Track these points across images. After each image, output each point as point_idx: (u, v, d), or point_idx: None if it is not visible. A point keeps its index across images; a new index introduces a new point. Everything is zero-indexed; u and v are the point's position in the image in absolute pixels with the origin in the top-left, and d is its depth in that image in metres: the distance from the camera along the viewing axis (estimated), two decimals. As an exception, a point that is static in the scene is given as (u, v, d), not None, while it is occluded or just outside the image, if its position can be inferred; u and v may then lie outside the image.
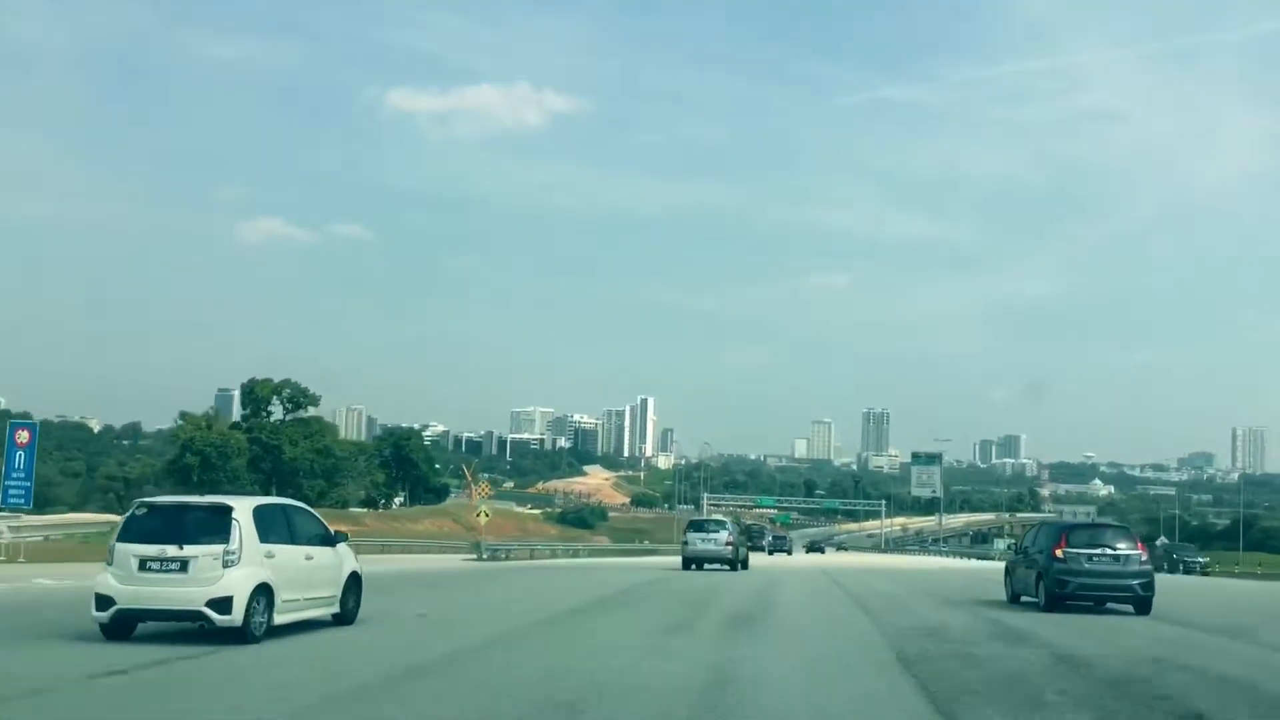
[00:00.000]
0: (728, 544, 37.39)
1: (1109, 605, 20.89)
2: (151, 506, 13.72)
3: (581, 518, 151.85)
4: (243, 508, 13.45)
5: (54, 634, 13.65)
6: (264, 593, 13.20)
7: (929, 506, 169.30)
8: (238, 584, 12.84)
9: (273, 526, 13.91)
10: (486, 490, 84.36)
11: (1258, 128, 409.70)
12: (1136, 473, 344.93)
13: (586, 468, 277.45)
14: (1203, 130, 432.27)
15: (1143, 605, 20.49)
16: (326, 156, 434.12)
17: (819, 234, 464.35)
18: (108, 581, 12.98)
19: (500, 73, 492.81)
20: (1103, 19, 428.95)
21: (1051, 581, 20.55)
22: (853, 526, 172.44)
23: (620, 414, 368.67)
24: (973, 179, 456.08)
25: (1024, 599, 22.30)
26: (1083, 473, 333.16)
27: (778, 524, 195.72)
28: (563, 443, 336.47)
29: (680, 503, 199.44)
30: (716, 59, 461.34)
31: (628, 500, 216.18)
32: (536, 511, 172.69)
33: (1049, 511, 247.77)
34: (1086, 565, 20.49)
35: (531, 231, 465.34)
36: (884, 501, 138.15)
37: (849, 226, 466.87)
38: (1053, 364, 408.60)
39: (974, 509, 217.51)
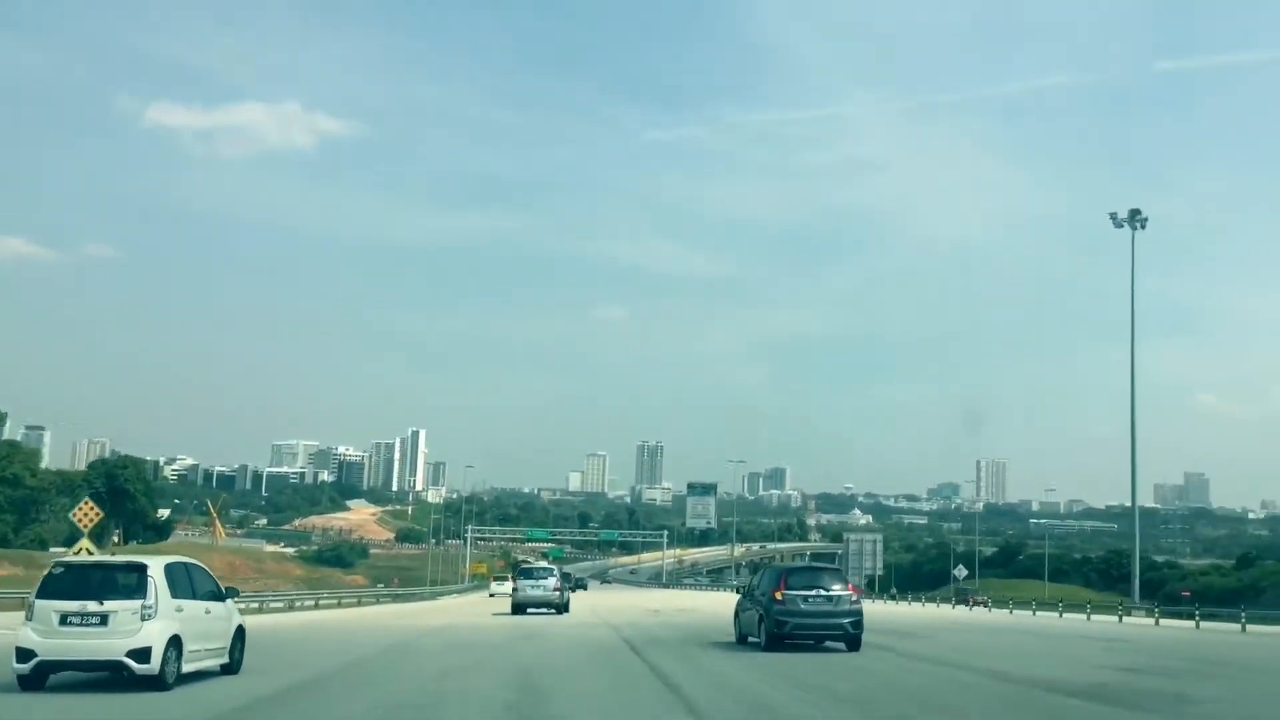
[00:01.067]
0: (555, 590, 39.47)
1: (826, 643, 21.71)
2: (68, 566, 15.05)
3: (339, 555, 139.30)
4: (155, 566, 14.52)
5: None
6: (175, 644, 14.26)
7: (703, 538, 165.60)
8: (155, 636, 13.93)
9: (178, 583, 14.82)
10: (220, 529, 72.87)
11: (1002, 180, 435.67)
12: (891, 503, 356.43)
13: (350, 502, 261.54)
14: (950, 180, 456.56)
15: (853, 642, 21.36)
16: (75, 172, 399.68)
17: (597, 267, 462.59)
18: (29, 635, 13.85)
19: (269, 91, 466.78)
20: (868, 72, 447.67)
21: (771, 622, 21.15)
22: (629, 560, 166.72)
23: (390, 446, 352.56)
24: (747, 219, 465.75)
25: (750, 639, 22.69)
26: (843, 503, 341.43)
27: (550, 558, 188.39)
28: (326, 476, 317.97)
29: (448, 537, 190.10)
30: (498, 90, 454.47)
31: (392, 536, 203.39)
32: (289, 550, 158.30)
33: (815, 540, 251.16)
34: (803, 606, 21.16)
35: (301, 257, 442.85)
36: (665, 532, 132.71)
37: (629, 261, 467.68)
38: (818, 398, 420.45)
39: (744, 539, 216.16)
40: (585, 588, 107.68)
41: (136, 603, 13.83)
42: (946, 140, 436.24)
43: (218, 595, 16.07)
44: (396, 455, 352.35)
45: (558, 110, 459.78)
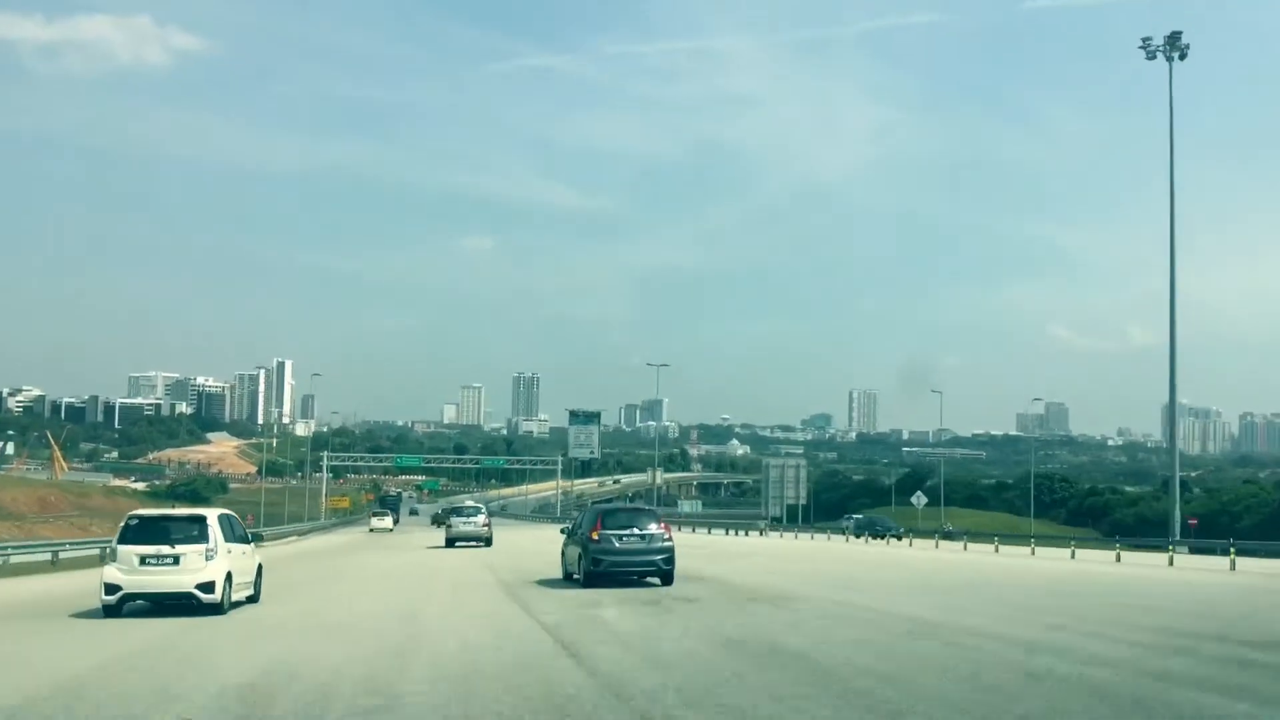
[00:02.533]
0: (484, 525, 43.44)
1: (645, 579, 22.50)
2: (142, 517, 18.63)
3: (194, 490, 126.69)
4: (212, 517, 18.45)
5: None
6: (229, 579, 17.91)
7: (584, 468, 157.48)
8: (216, 572, 17.54)
9: (227, 530, 18.55)
10: (60, 463, 61.12)
11: (873, 119, 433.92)
12: (768, 433, 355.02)
13: (211, 435, 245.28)
14: (822, 118, 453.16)
15: (666, 577, 22.43)
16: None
17: (469, 199, 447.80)
18: (114, 573, 17.45)
19: (118, 3, 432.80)
20: (741, 6, 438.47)
21: (589, 560, 22.18)
22: (510, 491, 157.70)
23: (254, 378, 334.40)
24: (619, 152, 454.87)
25: (574, 576, 23.33)
26: (720, 434, 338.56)
27: (425, 491, 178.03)
28: (185, 409, 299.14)
29: (316, 470, 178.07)
30: (364, 15, 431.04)
31: (255, 470, 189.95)
32: (138, 485, 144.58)
33: (697, 469, 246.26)
34: (618, 545, 22.24)
35: (155, 182, 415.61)
36: (559, 459, 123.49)
37: (499, 193, 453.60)
38: (692, 331, 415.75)
39: (627, 470, 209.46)
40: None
41: (201, 546, 17.61)
42: (819, 77, 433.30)
43: (246, 539, 19.86)
44: (261, 387, 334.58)
45: (426, 38, 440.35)
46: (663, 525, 23.36)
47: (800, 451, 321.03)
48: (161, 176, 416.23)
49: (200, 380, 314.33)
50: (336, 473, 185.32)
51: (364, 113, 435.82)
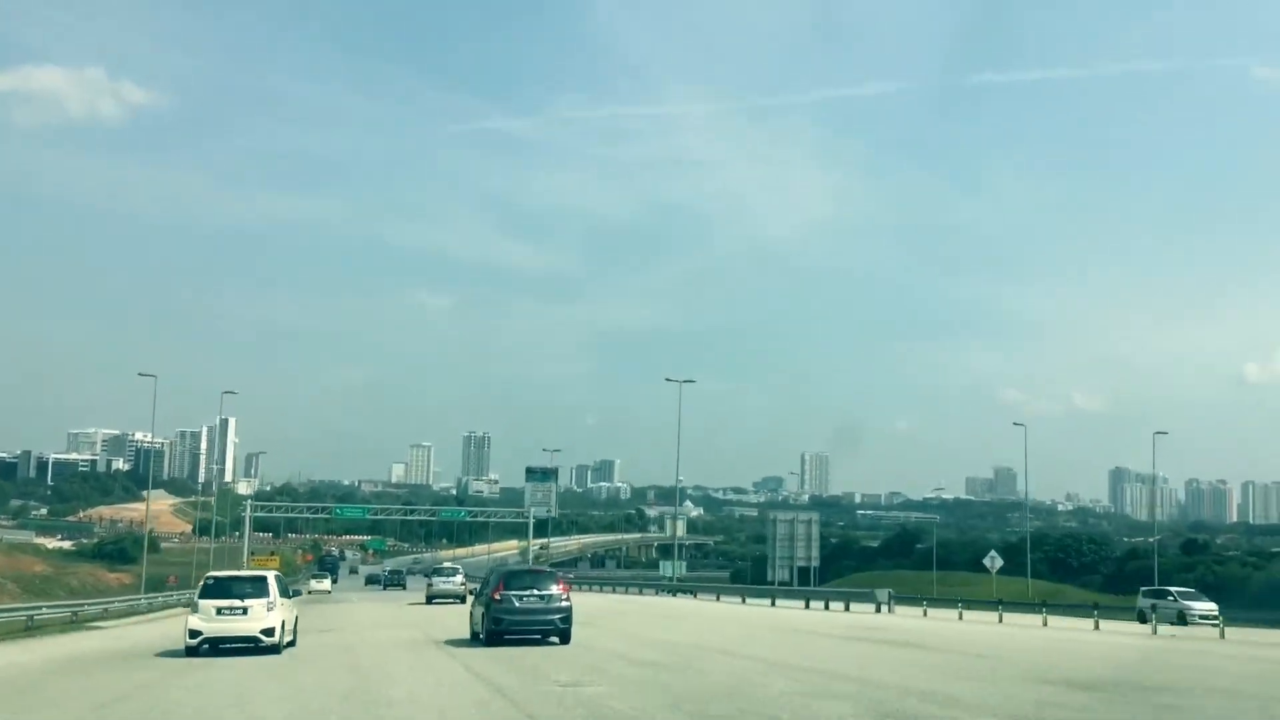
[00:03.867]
0: (461, 584, 47.57)
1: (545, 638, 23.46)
2: (216, 578, 24.02)
3: (122, 549, 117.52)
4: (270, 576, 23.81)
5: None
6: (282, 626, 22.88)
7: (539, 529, 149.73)
8: (275, 620, 22.55)
9: (281, 587, 23.92)
10: None
11: (824, 182, 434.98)
12: (720, 495, 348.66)
13: (149, 493, 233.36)
14: (775, 180, 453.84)
15: (564, 636, 23.46)
16: None
17: (424, 256, 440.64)
18: (196, 621, 22.48)
19: (70, 55, 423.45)
20: (694, 71, 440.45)
21: (490, 620, 23.33)
22: (462, 551, 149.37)
23: (196, 436, 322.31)
24: (576, 213, 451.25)
25: (479, 635, 24.39)
26: (673, 495, 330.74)
27: (370, 551, 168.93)
28: (122, 465, 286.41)
29: (258, 529, 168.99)
30: (322, 71, 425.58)
31: (190, 528, 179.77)
32: (66, 543, 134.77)
33: (654, 532, 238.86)
34: (518, 605, 23.27)
35: (105, 235, 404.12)
36: (532, 510, 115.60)
37: (454, 250, 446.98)
38: (644, 391, 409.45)
39: (583, 530, 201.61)
40: (403, 585, 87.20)
41: (264, 600, 22.62)
42: (771, 141, 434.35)
43: (288, 594, 25.19)
44: (204, 445, 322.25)
45: (383, 95, 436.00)
46: (562, 586, 24.42)
47: (754, 514, 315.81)
48: (109, 229, 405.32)
49: (139, 436, 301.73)
50: (275, 530, 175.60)
51: (319, 168, 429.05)
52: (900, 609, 44.54)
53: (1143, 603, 42.71)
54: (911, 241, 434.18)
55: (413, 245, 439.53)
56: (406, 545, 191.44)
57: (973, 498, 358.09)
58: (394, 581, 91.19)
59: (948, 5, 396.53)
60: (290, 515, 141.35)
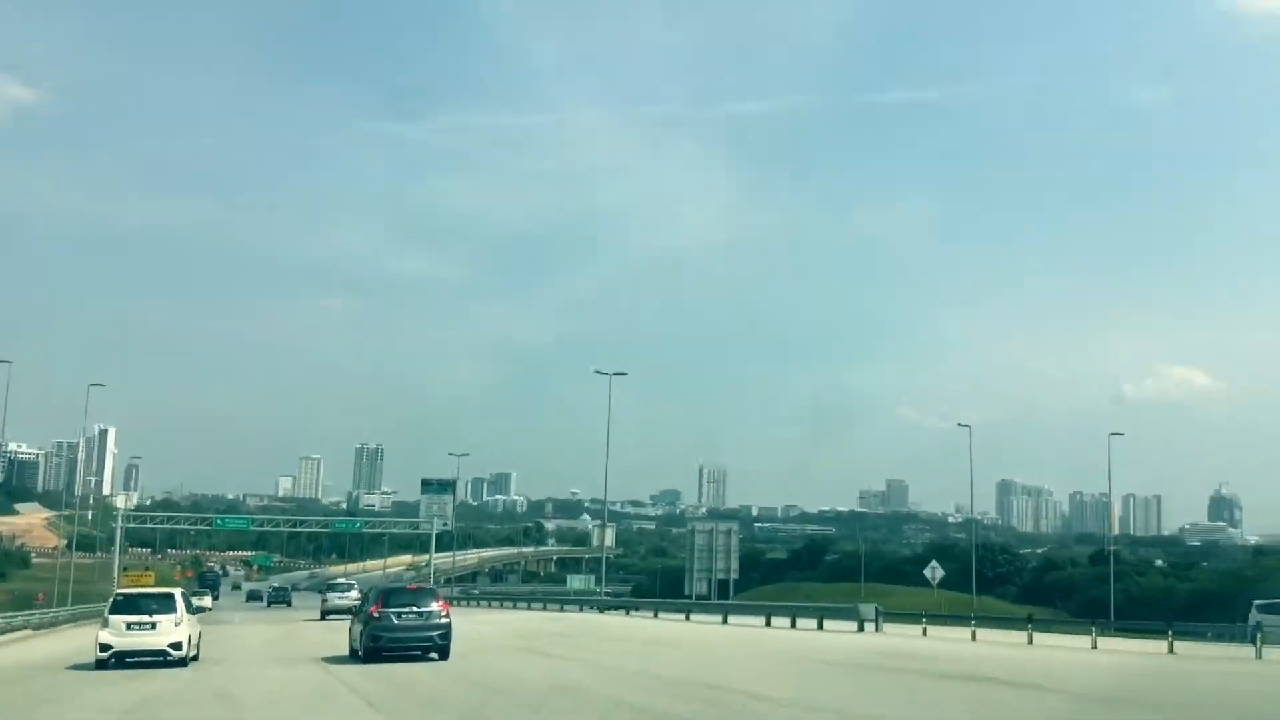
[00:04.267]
0: (356, 598, 41.68)
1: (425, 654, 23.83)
2: (126, 594, 26.03)
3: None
4: (178, 594, 25.28)
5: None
6: (189, 639, 24.38)
7: (435, 542, 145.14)
8: (182, 635, 23.98)
9: (187, 603, 25.37)
10: None
11: (726, 196, 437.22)
12: (618, 508, 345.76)
13: (20, 505, 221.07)
14: (676, 193, 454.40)
15: (443, 652, 23.86)
16: None
17: (315, 264, 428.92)
18: (107, 636, 23.66)
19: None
20: (593, 83, 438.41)
21: (368, 637, 23.77)
22: (354, 567, 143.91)
23: (73, 446, 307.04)
24: (472, 221, 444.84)
25: (357, 652, 24.60)
26: (571, 508, 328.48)
27: (256, 567, 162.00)
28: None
29: (134, 544, 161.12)
30: (211, 73, 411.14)
31: (64, 543, 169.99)
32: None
33: (552, 545, 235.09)
34: (396, 622, 23.73)
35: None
36: (438, 521, 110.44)
37: (347, 259, 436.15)
38: (541, 403, 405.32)
39: (480, 544, 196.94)
40: (289, 603, 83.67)
41: (172, 616, 23.99)
42: (669, 155, 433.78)
43: (192, 611, 26.19)
44: (81, 455, 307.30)
45: (277, 101, 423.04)
46: (442, 604, 24.63)
47: (653, 527, 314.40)
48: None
49: (12, 447, 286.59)
50: (154, 546, 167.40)
51: (206, 174, 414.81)
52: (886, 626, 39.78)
53: (1262, 619, 35.70)
54: (805, 258, 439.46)
55: (303, 252, 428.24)
56: (294, 561, 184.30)
57: (866, 510, 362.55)
58: (279, 598, 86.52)
59: (839, 26, 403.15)
60: (170, 528, 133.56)
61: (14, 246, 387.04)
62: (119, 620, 23.74)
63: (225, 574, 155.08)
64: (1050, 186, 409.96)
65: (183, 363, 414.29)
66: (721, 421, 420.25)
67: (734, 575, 54.86)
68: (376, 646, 23.41)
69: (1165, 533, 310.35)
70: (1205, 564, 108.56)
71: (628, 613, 54.91)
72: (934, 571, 55.76)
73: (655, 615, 50.53)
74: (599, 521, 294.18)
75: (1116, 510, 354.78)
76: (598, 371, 67.21)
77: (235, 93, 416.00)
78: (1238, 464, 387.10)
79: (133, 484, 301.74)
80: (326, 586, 56.50)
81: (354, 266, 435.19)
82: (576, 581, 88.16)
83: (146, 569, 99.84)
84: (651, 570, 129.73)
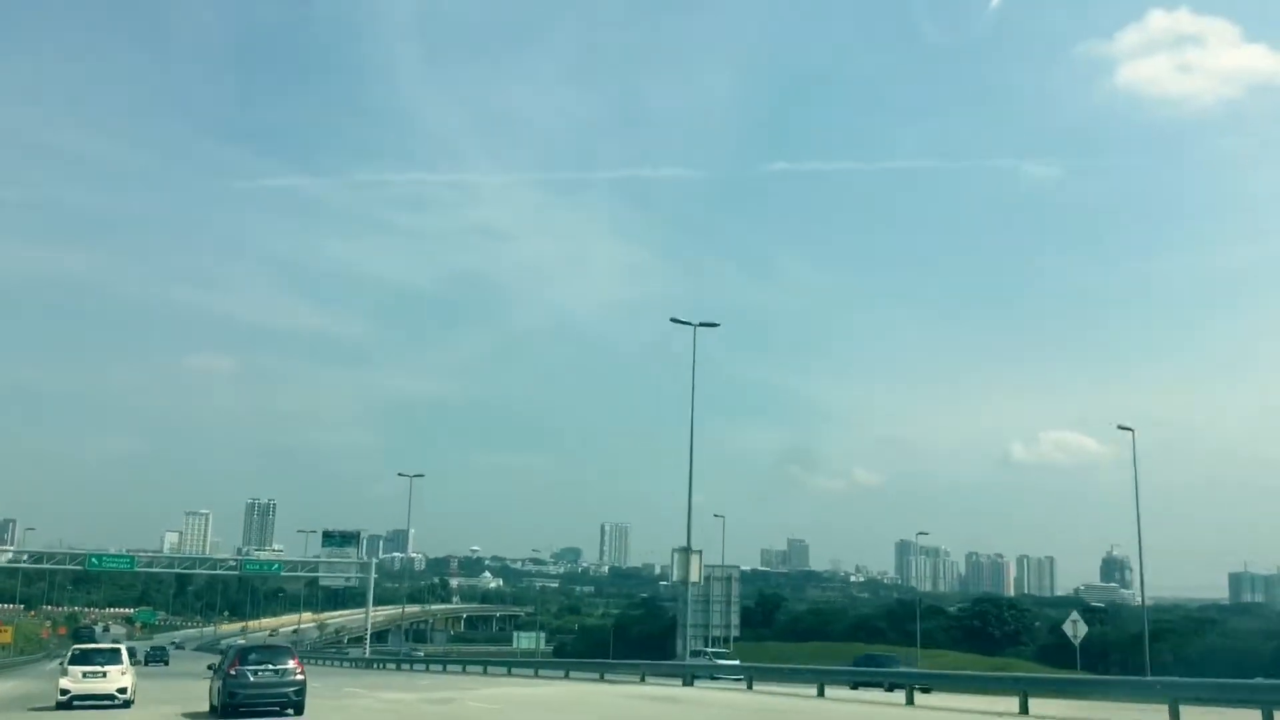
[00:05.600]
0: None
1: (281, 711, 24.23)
2: (82, 650, 30.68)
3: None
4: (123, 648, 31.34)
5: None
6: (133, 686, 28.79)
7: (338, 599, 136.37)
8: (127, 682, 28.49)
9: (129, 656, 31.29)
10: None
11: (623, 259, 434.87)
12: (519, 565, 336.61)
13: None
14: (574, 256, 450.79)
15: (298, 708, 24.46)
16: None
17: (204, 317, 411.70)
18: (67, 683, 28.00)
19: None
20: (496, 144, 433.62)
21: (226, 694, 24.24)
22: (252, 625, 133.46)
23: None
24: (368, 279, 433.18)
25: (217, 708, 25.30)
26: (471, 566, 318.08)
27: (139, 624, 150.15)
28: None
29: (8, 601, 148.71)
30: (101, 123, 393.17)
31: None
32: None
33: (457, 603, 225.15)
34: (252, 679, 24.30)
35: None
36: (359, 569, 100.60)
37: (238, 313, 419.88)
38: (438, 462, 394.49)
39: (381, 602, 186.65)
40: (165, 661, 76.54)
41: (119, 666, 28.74)
42: (571, 216, 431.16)
43: (133, 662, 32.04)
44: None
45: (166, 149, 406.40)
46: (296, 662, 25.29)
47: (556, 585, 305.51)
48: None
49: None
50: (29, 603, 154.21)
51: (91, 222, 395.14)
52: (941, 694, 32.55)
53: None
54: (706, 320, 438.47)
55: (190, 306, 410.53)
56: (181, 619, 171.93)
57: (769, 569, 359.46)
58: (156, 657, 79.20)
59: (740, 100, 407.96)
60: (42, 574, 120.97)
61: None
62: (76, 669, 28.26)
63: (107, 630, 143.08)
64: (939, 254, 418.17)
65: (63, 419, 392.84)
66: (621, 480, 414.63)
67: (734, 633, 48.11)
68: (233, 702, 24.07)
69: (1059, 593, 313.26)
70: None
71: (566, 675, 47.55)
72: (1075, 627, 47.76)
73: (643, 680, 43.06)
74: (498, 580, 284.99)
75: (1011, 570, 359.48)
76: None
77: (128, 145, 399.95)
78: (1127, 527, 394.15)
79: (7, 539, 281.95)
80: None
81: (245, 322, 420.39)
82: (524, 640, 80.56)
83: (1, 625, 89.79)
84: (565, 629, 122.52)
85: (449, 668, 59.09)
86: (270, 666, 24.60)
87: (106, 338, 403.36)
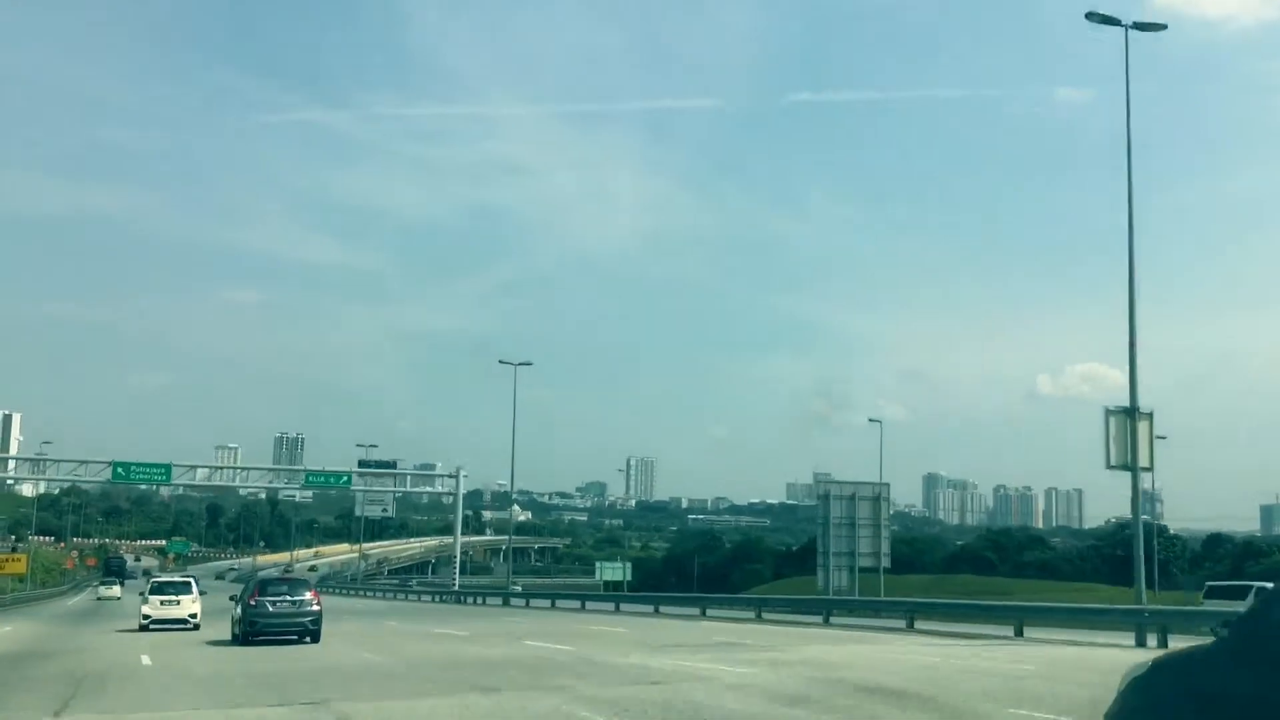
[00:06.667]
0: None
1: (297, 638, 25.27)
2: (159, 581, 35.62)
3: None
4: (193, 581, 35.56)
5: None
6: (200, 612, 32.94)
7: (376, 530, 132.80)
8: (197, 609, 32.88)
9: (199, 588, 35.09)
10: None
11: (645, 192, 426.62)
12: (546, 499, 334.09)
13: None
14: (596, 188, 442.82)
15: (314, 636, 25.53)
16: None
17: (231, 251, 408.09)
18: (146, 609, 32.63)
19: None
20: (515, 76, 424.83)
21: (246, 623, 25.63)
22: (282, 557, 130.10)
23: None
24: (390, 213, 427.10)
25: (238, 635, 26.34)
26: (499, 500, 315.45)
27: (171, 555, 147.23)
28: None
29: (40, 532, 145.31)
30: (119, 58, 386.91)
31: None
32: None
33: (490, 534, 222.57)
34: (271, 609, 25.54)
35: None
36: (376, 510, 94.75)
37: (264, 247, 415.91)
38: (464, 397, 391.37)
39: (413, 534, 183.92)
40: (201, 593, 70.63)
41: (190, 596, 33.32)
42: (593, 149, 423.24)
43: (202, 593, 35.23)
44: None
45: (191, 85, 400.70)
46: (314, 594, 26.64)
47: (585, 519, 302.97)
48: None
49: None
50: (60, 535, 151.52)
51: (124, 159, 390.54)
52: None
53: None
54: (730, 255, 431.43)
55: (218, 241, 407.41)
56: (214, 551, 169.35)
57: (795, 502, 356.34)
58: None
59: (763, 29, 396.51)
60: (75, 507, 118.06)
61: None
62: (155, 598, 32.88)
63: (138, 560, 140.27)
64: (965, 186, 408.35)
65: (97, 353, 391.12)
66: (645, 414, 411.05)
67: (885, 562, 41.09)
68: (253, 631, 25.15)
69: (1087, 525, 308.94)
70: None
71: (761, 616, 37.92)
72: None
73: (759, 617, 36.96)
74: (527, 514, 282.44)
75: (1040, 503, 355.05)
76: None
77: (150, 79, 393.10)
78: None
79: (41, 469, 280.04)
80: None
81: (272, 255, 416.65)
82: (609, 571, 74.19)
83: (14, 550, 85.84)
84: (607, 559, 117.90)
85: (560, 603, 51.88)
86: (288, 598, 25.87)
87: (134, 273, 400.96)
